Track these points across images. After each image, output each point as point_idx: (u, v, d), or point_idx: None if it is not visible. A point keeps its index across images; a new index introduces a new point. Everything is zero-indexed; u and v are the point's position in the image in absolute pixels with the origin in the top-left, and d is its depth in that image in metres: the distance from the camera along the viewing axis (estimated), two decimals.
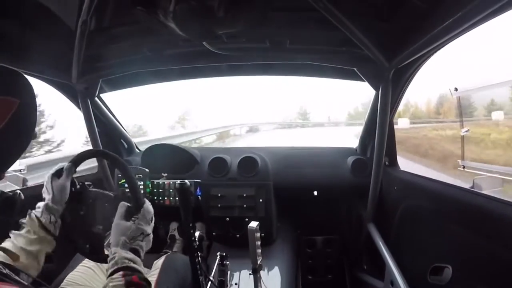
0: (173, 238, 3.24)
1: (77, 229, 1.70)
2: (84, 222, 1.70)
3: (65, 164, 1.72)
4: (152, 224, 1.62)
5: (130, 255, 1.42)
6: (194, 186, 2.99)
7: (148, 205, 1.62)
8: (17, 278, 1.22)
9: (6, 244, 1.47)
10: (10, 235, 1.51)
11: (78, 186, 1.74)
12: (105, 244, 1.68)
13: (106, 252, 1.65)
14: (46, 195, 1.65)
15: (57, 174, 1.69)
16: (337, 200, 3.54)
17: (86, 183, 1.78)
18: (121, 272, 1.33)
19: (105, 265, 1.70)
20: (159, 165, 3.12)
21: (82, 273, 1.98)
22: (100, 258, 1.69)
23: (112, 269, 1.35)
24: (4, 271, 1.14)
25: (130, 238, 1.47)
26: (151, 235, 1.57)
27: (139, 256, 1.47)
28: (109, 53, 2.49)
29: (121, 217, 1.53)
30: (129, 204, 1.56)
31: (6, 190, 1.66)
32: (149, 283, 1.38)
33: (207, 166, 3.20)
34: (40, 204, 1.63)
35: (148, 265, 2.11)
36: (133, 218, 1.53)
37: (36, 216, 1.57)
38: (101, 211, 1.70)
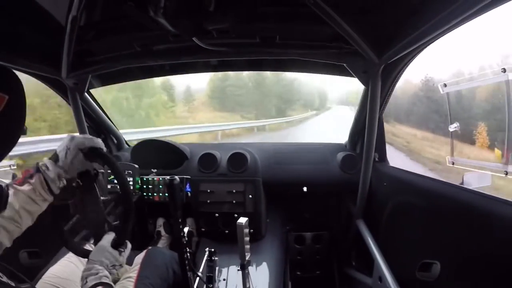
0: (159, 234, 3.24)
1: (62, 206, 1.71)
2: (68, 206, 1.71)
3: (96, 142, 1.70)
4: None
5: (107, 273, 1.54)
6: (183, 182, 3.00)
7: (129, 244, 1.72)
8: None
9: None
10: (10, 188, 1.46)
11: (94, 171, 1.73)
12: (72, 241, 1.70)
13: (89, 248, 1.69)
14: (63, 159, 1.61)
15: (86, 151, 1.65)
16: (326, 196, 3.55)
17: (100, 171, 1.77)
18: (101, 287, 1.46)
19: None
20: (149, 161, 3.12)
21: (64, 266, 1.99)
22: (66, 243, 1.70)
23: (94, 283, 1.46)
24: None
25: (111, 265, 1.59)
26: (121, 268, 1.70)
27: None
28: (99, 48, 2.48)
29: (109, 243, 1.61)
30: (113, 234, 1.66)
31: None
32: None
33: (197, 161, 3.19)
34: (49, 164, 1.59)
35: (130, 262, 2.11)
36: (120, 250, 1.63)
37: (45, 179, 1.57)
38: (89, 213, 1.70)
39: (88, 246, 1.78)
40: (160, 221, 3.29)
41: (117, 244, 1.61)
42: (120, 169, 1.71)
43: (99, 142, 1.70)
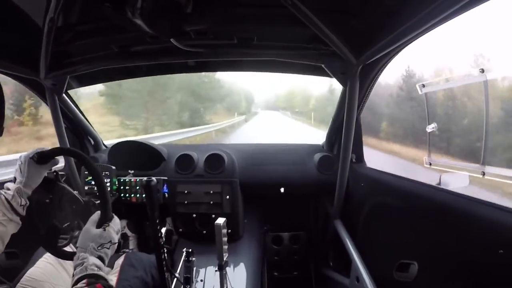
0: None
1: (38, 214, 1.71)
2: (46, 211, 1.71)
3: (44, 148, 1.71)
4: (119, 235, 1.64)
5: (98, 262, 1.44)
6: (161, 183, 3.00)
7: (116, 218, 1.66)
8: None
9: None
10: None
11: (52, 175, 1.75)
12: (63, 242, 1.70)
13: (70, 250, 1.67)
14: (19, 176, 1.65)
15: (34, 157, 1.67)
16: (304, 197, 3.57)
17: (60, 173, 1.78)
18: (85, 280, 1.34)
19: (67, 262, 1.72)
20: (126, 162, 3.11)
21: (42, 268, 1.96)
22: (50, 249, 1.72)
23: (80, 275, 1.37)
24: None
25: (98, 245, 1.50)
26: (116, 245, 1.60)
27: (104, 263, 1.49)
28: (77, 49, 2.46)
29: (93, 224, 1.56)
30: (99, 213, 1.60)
31: None
32: None
33: (174, 163, 3.19)
34: (10, 186, 1.62)
35: (111, 265, 2.11)
36: (103, 226, 1.55)
37: (6, 198, 1.57)
38: (66, 210, 1.70)
39: (69, 248, 1.77)
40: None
41: (101, 224, 1.58)
42: (77, 152, 1.77)
43: (44, 147, 1.72)
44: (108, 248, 1.53)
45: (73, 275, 1.40)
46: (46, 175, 1.73)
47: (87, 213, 1.67)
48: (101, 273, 1.41)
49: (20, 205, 1.60)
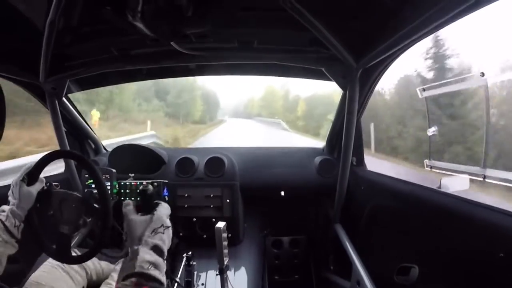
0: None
1: (45, 229, 1.71)
2: (52, 223, 1.70)
3: (30, 165, 1.71)
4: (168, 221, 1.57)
5: (153, 257, 1.36)
6: (161, 187, 3.00)
7: (164, 203, 1.61)
8: None
9: None
10: None
11: (45, 187, 1.73)
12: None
13: (73, 254, 1.66)
14: (12, 199, 1.64)
15: (25, 179, 1.67)
16: (304, 200, 3.57)
17: (53, 183, 1.77)
18: (133, 279, 1.28)
19: (72, 266, 1.70)
20: (126, 166, 3.09)
21: (46, 272, 1.95)
22: (66, 258, 1.70)
23: (128, 273, 1.30)
24: None
25: (151, 231, 1.43)
26: (171, 229, 1.52)
27: (162, 254, 1.41)
28: (77, 53, 2.46)
29: (133, 213, 1.51)
30: (132, 200, 1.60)
31: None
32: None
33: (174, 166, 3.19)
34: (5, 208, 1.63)
35: (110, 270, 2.11)
36: (153, 212, 1.51)
37: (0, 219, 1.57)
38: (68, 212, 1.70)
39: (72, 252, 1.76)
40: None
41: (146, 209, 1.55)
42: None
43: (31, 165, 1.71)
44: (163, 233, 1.46)
45: (121, 270, 1.37)
46: (41, 190, 1.72)
47: (88, 206, 1.68)
48: (152, 272, 1.32)
49: (15, 226, 1.59)
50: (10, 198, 1.66)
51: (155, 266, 1.34)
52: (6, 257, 1.59)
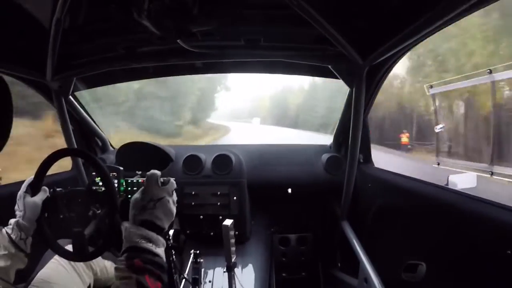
0: None
1: (58, 236, 1.71)
2: (63, 227, 1.70)
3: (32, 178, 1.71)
4: (174, 197, 1.57)
5: (142, 231, 1.32)
6: None
7: (172, 179, 1.59)
8: None
9: None
10: None
11: (49, 196, 1.73)
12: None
13: (90, 249, 1.66)
14: (18, 211, 1.64)
15: (28, 190, 1.67)
16: (311, 198, 3.56)
17: (57, 189, 1.77)
18: (125, 254, 1.24)
19: (78, 263, 1.70)
20: (134, 163, 3.09)
21: (53, 270, 1.95)
22: (84, 256, 1.69)
23: (122, 251, 1.27)
24: None
25: (140, 209, 1.38)
26: (166, 199, 1.47)
27: (155, 228, 1.36)
28: (83, 51, 2.46)
29: (135, 194, 1.45)
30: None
31: None
32: (159, 265, 1.29)
33: (182, 164, 3.20)
34: (12, 221, 1.62)
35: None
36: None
37: (6, 232, 1.57)
38: (77, 208, 1.70)
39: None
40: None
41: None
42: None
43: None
44: (154, 207, 1.39)
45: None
46: (46, 198, 1.71)
47: (94, 195, 1.70)
48: (144, 245, 1.28)
49: (21, 239, 1.59)
50: (16, 212, 1.66)
51: (147, 239, 1.30)
52: (15, 271, 1.58)
